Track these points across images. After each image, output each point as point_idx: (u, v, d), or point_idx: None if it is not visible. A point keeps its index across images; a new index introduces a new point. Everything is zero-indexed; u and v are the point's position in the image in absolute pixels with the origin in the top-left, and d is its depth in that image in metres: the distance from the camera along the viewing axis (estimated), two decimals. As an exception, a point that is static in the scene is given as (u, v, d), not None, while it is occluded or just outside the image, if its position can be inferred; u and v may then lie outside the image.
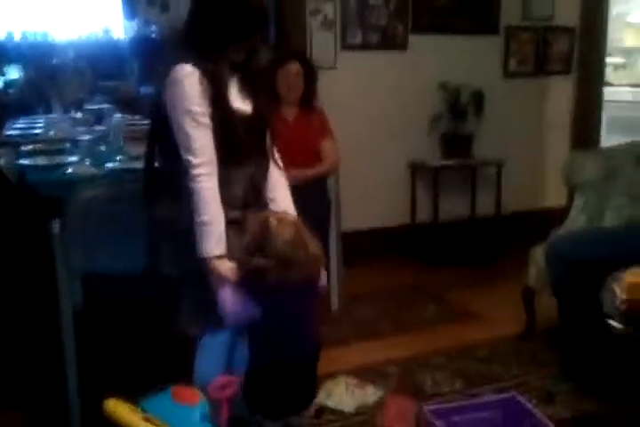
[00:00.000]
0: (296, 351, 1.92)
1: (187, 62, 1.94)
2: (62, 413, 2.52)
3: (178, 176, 2.00)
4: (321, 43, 4.17)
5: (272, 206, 2.20)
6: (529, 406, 2.20)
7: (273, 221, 1.79)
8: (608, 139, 5.38)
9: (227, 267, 1.91)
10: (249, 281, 1.80)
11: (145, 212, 2.14)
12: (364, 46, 4.29)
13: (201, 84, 1.93)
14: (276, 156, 2.25)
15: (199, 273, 1.97)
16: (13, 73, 7.13)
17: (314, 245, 1.82)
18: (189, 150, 1.94)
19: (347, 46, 4.25)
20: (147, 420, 1.78)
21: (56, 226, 2.38)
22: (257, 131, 2.13)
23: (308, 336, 1.96)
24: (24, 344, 3.16)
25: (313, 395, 2.11)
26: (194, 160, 1.93)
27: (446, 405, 2.30)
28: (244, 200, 2.07)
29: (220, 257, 1.94)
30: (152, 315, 2.19)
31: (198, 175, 1.93)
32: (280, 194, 2.22)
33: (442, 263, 4.33)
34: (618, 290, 2.19)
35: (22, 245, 3.12)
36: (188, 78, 1.92)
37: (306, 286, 1.83)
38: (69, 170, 2.90)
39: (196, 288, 2.03)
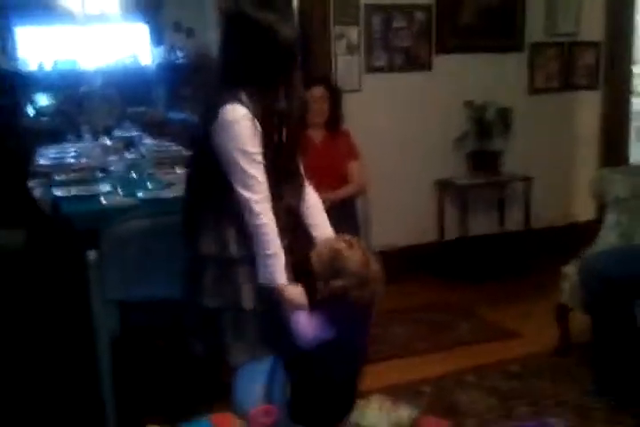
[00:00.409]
0: (350, 366, 2.10)
1: (235, 102, 1.98)
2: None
3: (223, 209, 2.05)
4: (345, 66, 4.21)
5: (314, 232, 2.24)
6: None
7: (343, 246, 1.97)
8: (638, 150, 5.37)
9: (298, 292, 2.02)
10: (331, 303, 1.97)
11: (186, 245, 2.17)
12: (389, 68, 4.32)
13: (253, 124, 1.98)
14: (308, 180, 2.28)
15: (240, 304, 2.05)
16: (44, 101, 7.30)
17: (376, 264, 2.01)
18: (248, 188, 1.98)
19: (371, 69, 4.28)
20: (186, 447, 1.81)
21: (92, 257, 2.43)
22: (291, 159, 2.17)
23: (363, 352, 2.13)
24: (63, 371, 3.21)
25: (352, 406, 2.23)
26: (254, 197, 1.98)
27: None
28: (287, 229, 2.10)
29: (289, 284, 2.02)
30: (187, 342, 2.21)
31: (261, 211, 1.99)
32: (320, 219, 2.27)
33: (472, 280, 4.32)
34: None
35: (59, 275, 3.18)
36: (242, 120, 1.97)
37: (373, 303, 2.04)
38: (103, 201, 2.97)
39: (239, 318, 2.07)
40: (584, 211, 4.68)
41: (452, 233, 4.54)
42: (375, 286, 2.01)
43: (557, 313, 3.21)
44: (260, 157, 2.00)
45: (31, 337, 3.58)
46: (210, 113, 2.02)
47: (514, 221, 4.65)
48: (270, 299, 2.05)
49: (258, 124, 1.99)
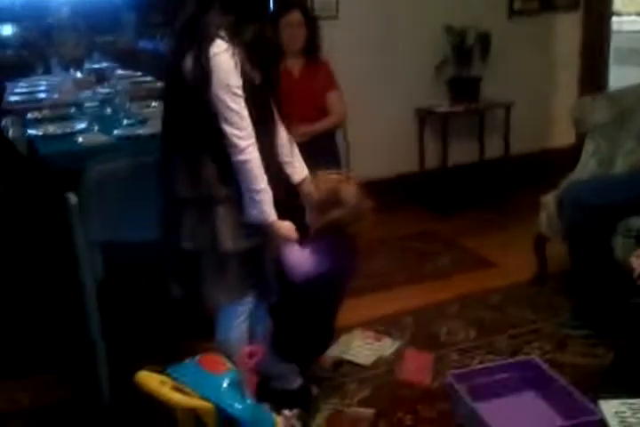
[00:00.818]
0: (334, 298, 2.22)
1: (215, 36, 1.95)
2: (91, 376, 2.60)
3: (202, 147, 2.03)
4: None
5: (290, 169, 2.27)
6: (548, 370, 2.26)
7: (341, 179, 2.10)
8: (618, 71, 5.32)
9: (289, 228, 2.06)
10: (327, 234, 2.07)
11: (162, 186, 2.15)
12: (367, -8, 4.21)
13: (233, 59, 1.96)
14: (280, 119, 2.26)
15: (219, 245, 2.04)
16: (8, 32, 7.04)
17: (368, 198, 2.14)
18: (233, 124, 1.97)
19: (347, -7, 4.17)
20: (177, 389, 1.85)
21: (72, 200, 2.40)
22: (266, 98, 2.14)
23: (346, 284, 2.24)
24: (51, 311, 3.24)
25: (331, 338, 2.38)
26: (240, 133, 1.97)
27: (468, 369, 2.37)
28: (267, 167, 2.08)
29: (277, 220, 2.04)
30: (166, 285, 2.23)
31: (247, 146, 1.98)
32: (296, 157, 2.29)
33: (452, 210, 4.36)
34: (635, 264, 2.20)
35: (40, 217, 3.15)
36: (223, 54, 1.94)
37: (360, 236, 2.17)
38: (80, 139, 2.91)
39: (218, 260, 2.07)
40: (565, 135, 4.67)
41: (432, 163, 4.54)
42: (370, 218, 2.15)
43: (536, 243, 3.25)
44: (240, 91, 1.97)
45: (15, 279, 3.60)
46: (188, 46, 1.97)
47: (494, 149, 4.65)
48: (252, 238, 2.06)
49: (238, 58, 1.97)
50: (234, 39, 1.97)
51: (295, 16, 3.52)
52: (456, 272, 3.52)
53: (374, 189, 4.38)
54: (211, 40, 1.95)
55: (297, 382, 2.38)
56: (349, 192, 2.08)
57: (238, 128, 1.97)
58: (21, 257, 3.63)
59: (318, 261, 2.05)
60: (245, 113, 1.98)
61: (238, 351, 1.95)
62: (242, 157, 1.98)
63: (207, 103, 1.97)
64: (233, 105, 1.96)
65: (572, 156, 3.46)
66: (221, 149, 2.01)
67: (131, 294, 3.05)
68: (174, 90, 2.08)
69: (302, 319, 2.21)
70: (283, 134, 2.25)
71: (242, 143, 1.97)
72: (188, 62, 1.96)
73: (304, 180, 2.28)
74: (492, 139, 4.66)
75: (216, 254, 2.06)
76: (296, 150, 2.30)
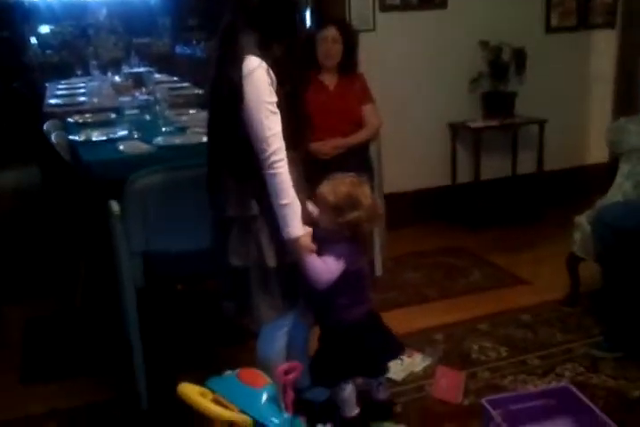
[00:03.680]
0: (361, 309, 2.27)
1: (249, 53, 1.99)
2: (129, 380, 2.65)
3: (245, 165, 2.06)
4: (360, 5, 4.12)
5: None
6: (583, 398, 2.25)
7: (356, 183, 2.16)
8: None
9: (309, 243, 2.09)
10: (346, 233, 2.14)
11: (211, 205, 2.19)
12: (403, 7, 4.23)
13: (268, 74, 1.99)
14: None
15: (264, 261, 2.09)
16: (47, 34, 7.16)
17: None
18: (264, 139, 1.99)
19: (385, 7, 4.19)
20: (217, 402, 1.89)
21: (115, 209, 2.45)
22: (295, 114, 2.15)
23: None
24: (90, 316, 3.30)
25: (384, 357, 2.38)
26: (269, 148, 2.00)
27: (503, 395, 2.36)
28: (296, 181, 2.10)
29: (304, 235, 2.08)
30: (221, 304, 2.28)
31: (275, 162, 2.00)
32: None
33: (484, 225, 4.36)
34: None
35: (83, 223, 3.21)
36: (258, 70, 1.97)
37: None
38: (121, 147, 2.98)
39: (265, 276, 2.12)
40: (598, 154, 4.66)
41: (464, 177, 4.55)
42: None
43: (568, 263, 3.25)
44: (275, 107, 2.01)
45: (55, 284, 3.67)
46: (225, 62, 2.02)
47: (526, 164, 4.64)
48: (290, 253, 2.10)
49: (272, 73, 2.00)
50: (264, 56, 2.00)
51: (331, 32, 3.53)
52: (487, 288, 3.53)
53: (406, 201, 4.44)
54: (245, 56, 1.98)
55: (325, 395, 2.41)
56: (365, 194, 2.15)
57: (268, 143, 1.99)
58: (64, 262, 3.71)
59: (336, 264, 2.11)
60: (279, 129, 2.01)
61: (276, 367, 1.99)
62: (270, 172, 2.01)
63: (242, 118, 2.01)
64: (266, 121, 1.99)
65: (605, 174, 3.46)
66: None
67: (169, 301, 3.11)
68: (217, 106, 2.13)
69: (340, 333, 2.24)
70: None
71: (272, 158, 2.00)
72: (226, 79, 2.00)
73: None
74: (526, 154, 4.66)
75: (262, 270, 2.11)
76: None
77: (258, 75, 1.97)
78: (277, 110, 2.01)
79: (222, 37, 2.09)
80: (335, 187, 2.15)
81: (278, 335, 2.24)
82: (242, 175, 2.09)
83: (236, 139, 2.07)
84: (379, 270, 3.69)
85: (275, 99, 2.01)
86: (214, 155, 2.17)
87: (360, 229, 2.14)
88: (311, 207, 2.22)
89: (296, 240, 2.06)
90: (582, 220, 3.14)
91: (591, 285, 3.20)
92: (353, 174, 2.20)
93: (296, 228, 2.05)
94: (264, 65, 1.98)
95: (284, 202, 2.03)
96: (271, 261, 2.10)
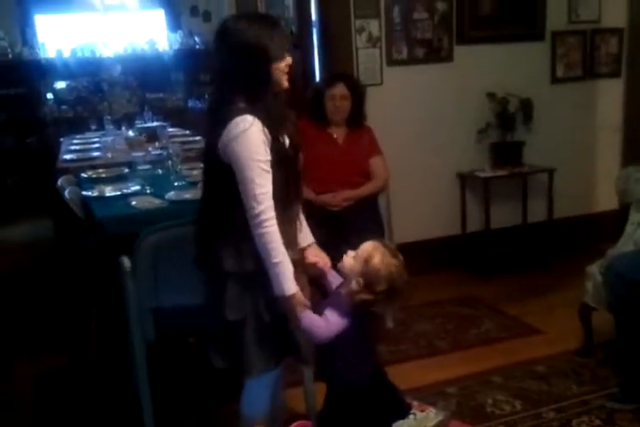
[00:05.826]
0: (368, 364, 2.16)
1: (240, 112, 2.00)
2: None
3: (239, 223, 2.05)
4: (367, 60, 4.20)
5: (300, 238, 2.27)
6: None
7: (377, 256, 1.99)
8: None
9: (303, 300, 2.06)
10: (354, 308, 2.02)
11: (204, 260, 2.18)
12: (410, 61, 4.31)
13: (262, 131, 2.01)
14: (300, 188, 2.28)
15: (261, 315, 2.09)
16: (63, 90, 7.31)
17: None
18: (254, 198, 1.99)
19: (392, 62, 4.27)
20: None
21: (126, 265, 2.47)
22: (289, 172, 2.15)
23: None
24: (102, 372, 3.29)
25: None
26: (258, 207, 1.99)
27: None
28: (287, 239, 2.09)
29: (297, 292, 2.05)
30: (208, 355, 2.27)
31: (265, 220, 2.00)
32: (303, 223, 2.31)
33: (495, 273, 4.35)
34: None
35: (95, 279, 3.23)
36: (252, 129, 1.99)
37: None
38: (133, 202, 3.02)
39: (259, 330, 2.11)
40: (607, 201, 4.66)
41: (474, 226, 4.56)
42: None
43: (581, 313, 3.23)
44: (267, 166, 2.01)
45: (64, 338, 3.67)
46: (218, 127, 2.03)
47: (536, 213, 4.65)
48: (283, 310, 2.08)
49: (266, 131, 2.01)
50: (257, 111, 2.01)
51: (339, 89, 3.61)
52: (500, 339, 3.50)
53: (416, 251, 4.42)
54: (236, 116, 1.99)
55: None
56: (386, 271, 1.99)
57: (257, 201, 1.99)
58: (75, 316, 3.71)
59: (336, 322, 2.03)
60: (270, 188, 2.01)
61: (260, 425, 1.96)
62: (259, 231, 2.00)
63: (234, 175, 2.01)
64: (256, 179, 1.99)
65: (615, 221, 3.46)
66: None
67: (180, 355, 3.09)
68: (211, 169, 2.15)
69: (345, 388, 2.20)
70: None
71: (260, 217, 1.99)
72: (221, 141, 2.01)
73: (309, 246, 2.31)
74: (535, 203, 4.67)
75: (258, 323, 2.10)
76: (302, 216, 2.30)
77: (251, 132, 1.98)
78: (270, 169, 2.02)
79: (211, 105, 2.15)
80: (385, 257, 2.01)
81: (265, 394, 2.22)
82: (238, 232, 2.07)
83: (234, 195, 2.06)
84: (390, 323, 3.66)
85: (268, 157, 2.01)
86: (208, 211, 2.17)
87: (372, 308, 2.04)
88: (332, 278, 2.20)
89: (290, 298, 2.04)
90: (594, 269, 3.12)
91: (605, 334, 3.16)
92: (387, 243, 2.11)
93: (289, 285, 2.03)
94: (257, 123, 1.99)
95: (275, 260, 2.01)
96: (267, 315, 2.09)
